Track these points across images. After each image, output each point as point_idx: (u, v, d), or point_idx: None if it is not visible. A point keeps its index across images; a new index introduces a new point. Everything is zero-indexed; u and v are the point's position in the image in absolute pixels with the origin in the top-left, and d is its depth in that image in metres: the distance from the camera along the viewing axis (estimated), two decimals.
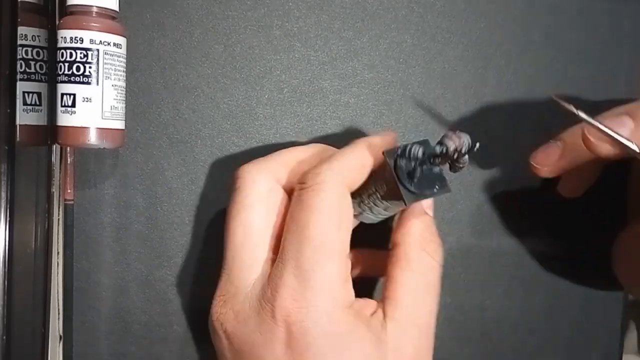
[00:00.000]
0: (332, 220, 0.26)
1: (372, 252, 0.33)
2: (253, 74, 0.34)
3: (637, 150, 0.26)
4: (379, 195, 0.29)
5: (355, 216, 0.30)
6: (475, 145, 0.26)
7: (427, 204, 0.30)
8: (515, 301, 0.39)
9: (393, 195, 0.28)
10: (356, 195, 0.30)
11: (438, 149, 0.26)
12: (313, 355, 0.25)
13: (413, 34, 0.36)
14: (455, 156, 0.26)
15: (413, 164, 0.27)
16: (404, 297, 0.28)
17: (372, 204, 0.29)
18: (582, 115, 0.26)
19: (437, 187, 0.27)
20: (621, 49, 0.40)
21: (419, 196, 0.27)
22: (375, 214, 0.30)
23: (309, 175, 0.27)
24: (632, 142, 0.26)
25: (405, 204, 0.27)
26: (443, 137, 0.26)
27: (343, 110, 0.35)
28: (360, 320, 0.26)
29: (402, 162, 0.27)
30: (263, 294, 0.26)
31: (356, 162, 0.28)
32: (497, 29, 0.37)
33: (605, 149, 0.27)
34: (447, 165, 0.27)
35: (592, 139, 0.28)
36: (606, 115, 0.28)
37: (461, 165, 0.27)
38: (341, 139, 0.36)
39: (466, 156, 0.26)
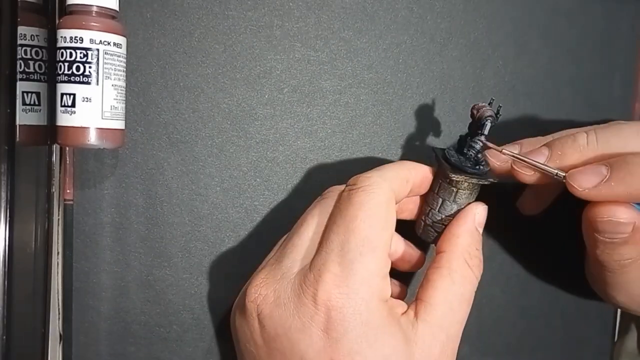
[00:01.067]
0: (378, 218, 0.28)
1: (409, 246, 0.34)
2: (253, 74, 0.34)
3: (554, 172, 0.30)
4: (440, 199, 0.31)
5: (419, 233, 0.33)
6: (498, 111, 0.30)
7: (479, 219, 0.31)
8: (511, 300, 0.39)
9: (448, 179, 0.30)
10: (421, 214, 0.32)
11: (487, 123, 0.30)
12: (348, 341, 0.26)
13: (412, 35, 0.36)
14: (478, 116, 0.30)
15: (463, 149, 0.31)
16: (439, 302, 0.28)
17: (434, 217, 0.31)
18: (508, 152, 0.31)
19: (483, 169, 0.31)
20: (617, 49, 0.40)
21: (475, 175, 0.30)
22: (435, 220, 0.32)
23: (360, 178, 0.29)
24: (549, 167, 0.30)
25: (451, 178, 0.30)
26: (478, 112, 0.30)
27: (343, 110, 0.36)
28: (392, 317, 0.27)
29: (451, 156, 0.30)
30: (305, 278, 0.27)
31: (402, 174, 0.30)
32: (495, 30, 0.38)
33: (529, 177, 0.31)
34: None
35: (518, 170, 0.31)
36: (528, 148, 0.32)
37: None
38: (341, 139, 0.36)
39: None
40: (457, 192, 0.31)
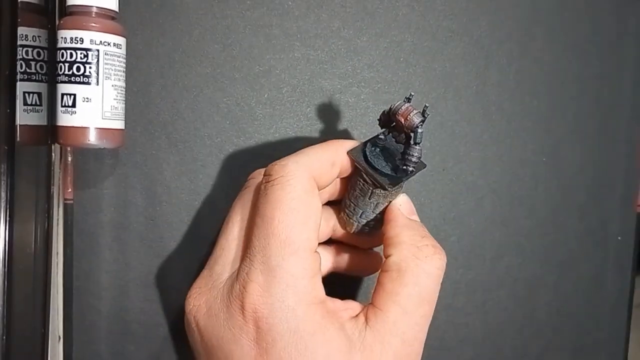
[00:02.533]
0: (297, 215, 0.26)
1: (355, 251, 0.32)
2: (252, 73, 0.34)
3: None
4: (361, 196, 0.29)
5: (353, 231, 0.31)
6: (424, 111, 0.26)
7: (407, 210, 0.29)
8: (518, 303, 0.39)
9: (372, 184, 0.28)
10: (344, 209, 0.30)
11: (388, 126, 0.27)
12: (278, 351, 0.25)
13: (413, 33, 0.36)
14: (407, 125, 0.26)
15: (379, 149, 0.27)
16: (390, 307, 0.27)
17: (359, 210, 0.29)
18: None
19: (406, 159, 0.27)
20: (625, 47, 0.40)
21: (394, 178, 0.27)
22: (367, 219, 0.30)
23: (275, 167, 0.27)
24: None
25: (386, 188, 0.27)
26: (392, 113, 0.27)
27: (343, 110, 0.35)
28: (330, 321, 0.26)
29: (370, 153, 0.28)
30: (232, 289, 0.26)
31: (325, 157, 0.28)
32: (498, 28, 0.37)
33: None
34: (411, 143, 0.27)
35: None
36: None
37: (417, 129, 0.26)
38: (341, 139, 0.35)
39: (419, 123, 0.26)
40: (382, 195, 0.29)
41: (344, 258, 0.32)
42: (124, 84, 0.31)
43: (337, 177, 0.29)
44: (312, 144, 0.35)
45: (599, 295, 0.37)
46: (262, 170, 0.28)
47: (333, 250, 0.32)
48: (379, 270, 0.28)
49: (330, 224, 0.31)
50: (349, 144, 0.29)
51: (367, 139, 0.29)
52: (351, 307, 0.28)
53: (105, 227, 0.33)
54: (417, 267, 0.27)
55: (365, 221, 0.30)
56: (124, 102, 0.32)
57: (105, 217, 0.33)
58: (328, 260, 0.32)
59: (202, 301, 0.27)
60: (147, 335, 0.34)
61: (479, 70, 0.37)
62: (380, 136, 0.29)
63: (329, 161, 0.28)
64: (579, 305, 0.40)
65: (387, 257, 0.28)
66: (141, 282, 0.34)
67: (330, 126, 0.35)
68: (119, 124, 0.31)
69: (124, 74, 0.31)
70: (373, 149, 0.28)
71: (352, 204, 0.30)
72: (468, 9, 0.36)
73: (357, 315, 0.27)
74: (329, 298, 0.27)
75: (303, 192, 0.26)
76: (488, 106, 0.37)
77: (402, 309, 0.26)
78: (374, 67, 0.35)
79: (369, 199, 0.29)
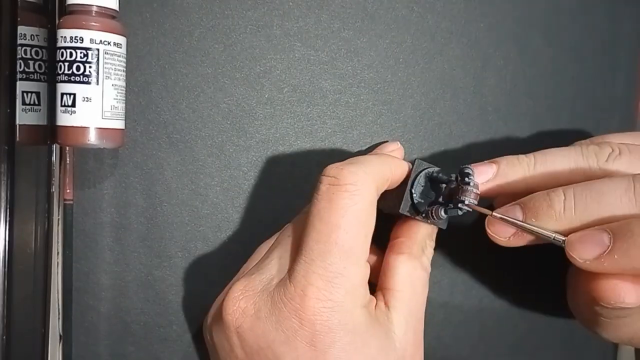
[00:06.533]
0: (363, 228, 0.27)
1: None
2: (253, 73, 0.34)
3: (551, 236, 0.27)
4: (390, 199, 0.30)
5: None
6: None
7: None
8: (513, 301, 0.39)
9: (397, 199, 0.29)
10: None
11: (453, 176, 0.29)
12: (337, 351, 0.26)
13: (413, 34, 0.36)
14: (460, 192, 0.28)
15: (425, 182, 0.30)
16: (405, 288, 0.29)
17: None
18: (499, 216, 0.28)
19: (434, 215, 0.29)
20: (620, 48, 0.40)
21: (412, 211, 0.30)
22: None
23: (344, 172, 0.27)
24: (545, 231, 0.28)
25: (399, 211, 0.29)
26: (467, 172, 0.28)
27: (343, 110, 0.35)
28: (372, 317, 0.27)
29: (420, 181, 0.30)
30: (286, 291, 0.26)
31: (386, 171, 0.28)
32: (496, 29, 0.37)
33: (512, 240, 0.29)
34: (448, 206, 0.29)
35: (494, 235, 0.29)
36: (506, 174, 0.30)
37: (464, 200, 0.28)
38: (341, 139, 0.36)
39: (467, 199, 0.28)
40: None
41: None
42: (124, 84, 0.31)
43: None
44: (312, 144, 0.35)
45: None
46: (365, 177, 0.27)
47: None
48: (386, 255, 0.30)
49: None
50: (400, 163, 0.30)
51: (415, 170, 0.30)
52: (371, 299, 0.29)
53: (105, 228, 0.33)
54: (422, 258, 0.30)
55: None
56: (124, 102, 0.31)
57: (105, 217, 0.33)
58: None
59: (250, 304, 0.27)
60: (147, 336, 0.34)
61: (477, 71, 0.37)
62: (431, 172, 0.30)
63: (387, 176, 0.28)
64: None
65: (397, 237, 0.31)
66: (141, 282, 0.34)
67: (331, 126, 0.35)
68: (119, 124, 0.31)
69: (124, 74, 0.31)
70: (422, 181, 0.30)
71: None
72: (466, 10, 0.37)
73: (377, 303, 0.28)
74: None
75: (369, 204, 0.27)
76: (485, 107, 0.38)
77: (414, 289, 0.29)
78: (373, 67, 0.36)
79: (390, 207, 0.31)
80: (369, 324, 0.27)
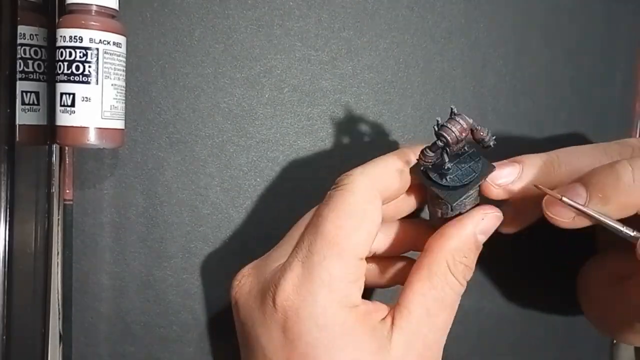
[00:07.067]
0: (350, 220, 0.26)
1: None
2: (253, 73, 0.34)
3: (623, 231, 0.25)
4: (437, 207, 0.29)
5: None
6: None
7: (483, 227, 0.28)
8: (512, 301, 0.39)
9: (438, 198, 0.28)
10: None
11: (439, 143, 0.27)
12: (304, 345, 0.25)
13: (413, 34, 0.36)
14: (462, 141, 0.27)
15: (436, 159, 0.27)
16: (415, 307, 0.27)
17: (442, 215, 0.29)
18: (568, 201, 0.26)
19: (472, 175, 0.28)
20: (618, 49, 0.40)
21: (453, 190, 0.27)
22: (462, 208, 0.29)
23: (342, 176, 0.28)
24: (617, 224, 0.26)
25: (448, 202, 0.27)
26: (439, 129, 0.27)
27: (343, 110, 0.36)
28: (362, 324, 0.26)
29: (430, 165, 0.28)
30: (273, 276, 0.27)
31: (391, 165, 0.28)
32: (496, 30, 0.38)
33: (569, 222, 0.27)
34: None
35: (553, 216, 0.27)
36: (532, 170, 0.29)
37: (485, 139, 0.26)
38: (341, 139, 0.36)
39: (483, 133, 0.26)
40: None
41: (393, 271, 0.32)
42: (124, 84, 0.31)
43: (410, 184, 0.29)
44: (312, 144, 0.35)
45: None
46: (363, 179, 0.28)
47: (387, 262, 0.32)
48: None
49: (389, 239, 0.31)
50: (407, 151, 0.29)
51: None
52: (381, 308, 0.27)
53: (105, 228, 0.33)
54: (447, 275, 0.27)
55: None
56: (124, 101, 0.31)
57: (105, 217, 0.33)
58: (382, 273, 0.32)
59: (248, 282, 0.28)
60: (147, 336, 0.34)
61: (476, 71, 0.37)
62: (447, 166, 0.28)
63: (396, 169, 0.28)
64: (570, 302, 0.40)
65: (424, 249, 0.28)
66: (141, 282, 0.34)
67: (331, 126, 0.35)
68: (119, 124, 0.31)
69: (124, 73, 0.31)
70: (431, 164, 0.28)
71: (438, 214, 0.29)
72: (466, 11, 0.37)
73: (385, 317, 0.27)
74: (363, 301, 0.27)
75: (362, 200, 0.27)
76: (484, 107, 0.38)
77: (427, 311, 0.27)
78: (373, 67, 0.36)
79: (442, 209, 0.29)
80: (352, 329, 0.26)
